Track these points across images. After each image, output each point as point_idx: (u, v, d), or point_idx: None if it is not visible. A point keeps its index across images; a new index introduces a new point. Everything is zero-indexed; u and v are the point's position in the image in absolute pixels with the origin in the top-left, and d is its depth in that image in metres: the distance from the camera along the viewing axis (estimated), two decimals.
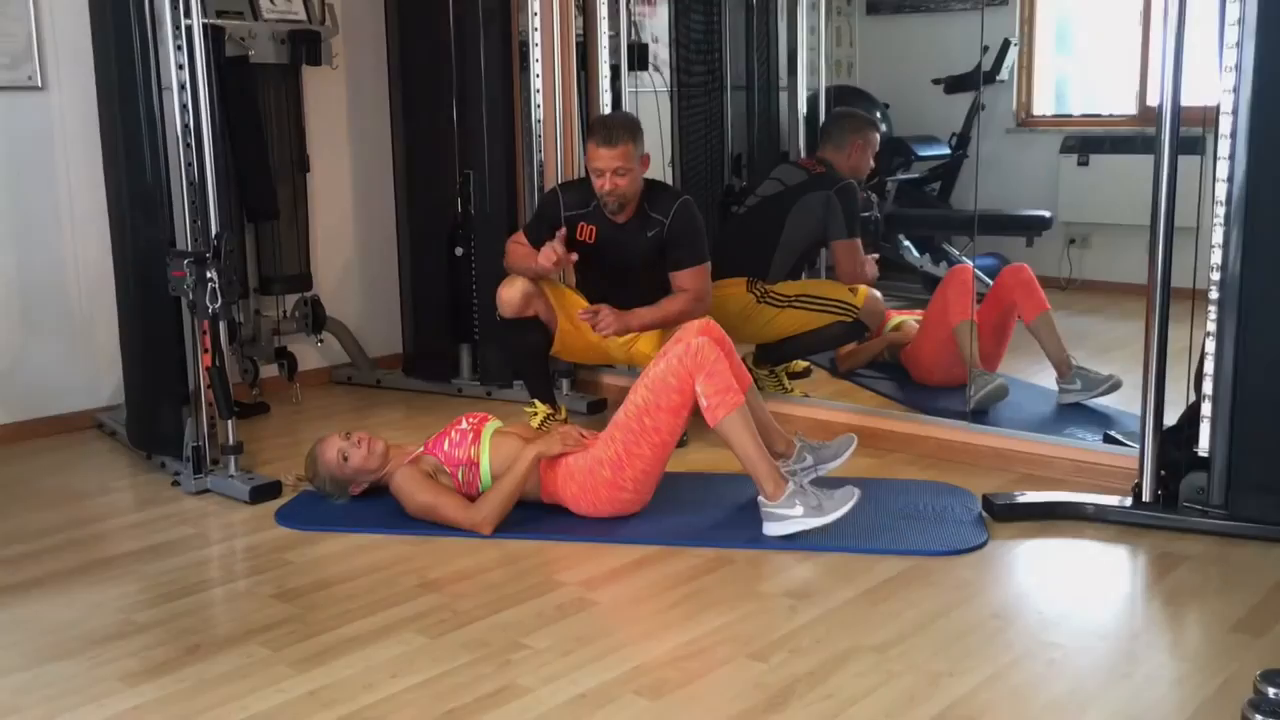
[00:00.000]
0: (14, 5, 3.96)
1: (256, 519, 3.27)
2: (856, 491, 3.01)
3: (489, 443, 3.19)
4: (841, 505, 2.97)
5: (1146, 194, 2.99)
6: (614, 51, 4.50)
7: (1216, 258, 2.93)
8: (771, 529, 3.01)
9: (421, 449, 3.23)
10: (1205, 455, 3.01)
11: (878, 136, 4.39)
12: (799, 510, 2.97)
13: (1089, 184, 5.66)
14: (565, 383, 4.48)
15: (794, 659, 2.39)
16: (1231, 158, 2.88)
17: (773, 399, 3.96)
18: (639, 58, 4.74)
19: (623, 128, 3.59)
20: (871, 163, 4.38)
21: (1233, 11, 2.83)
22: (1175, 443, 3.07)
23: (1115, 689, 2.28)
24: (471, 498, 3.16)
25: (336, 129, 4.84)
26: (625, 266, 3.74)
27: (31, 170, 4.08)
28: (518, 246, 3.81)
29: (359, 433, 3.28)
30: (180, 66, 3.35)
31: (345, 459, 3.23)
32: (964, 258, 5.19)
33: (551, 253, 3.60)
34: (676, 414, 3.05)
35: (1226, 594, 2.69)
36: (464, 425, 3.24)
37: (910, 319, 4.46)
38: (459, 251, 4.56)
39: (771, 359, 4.25)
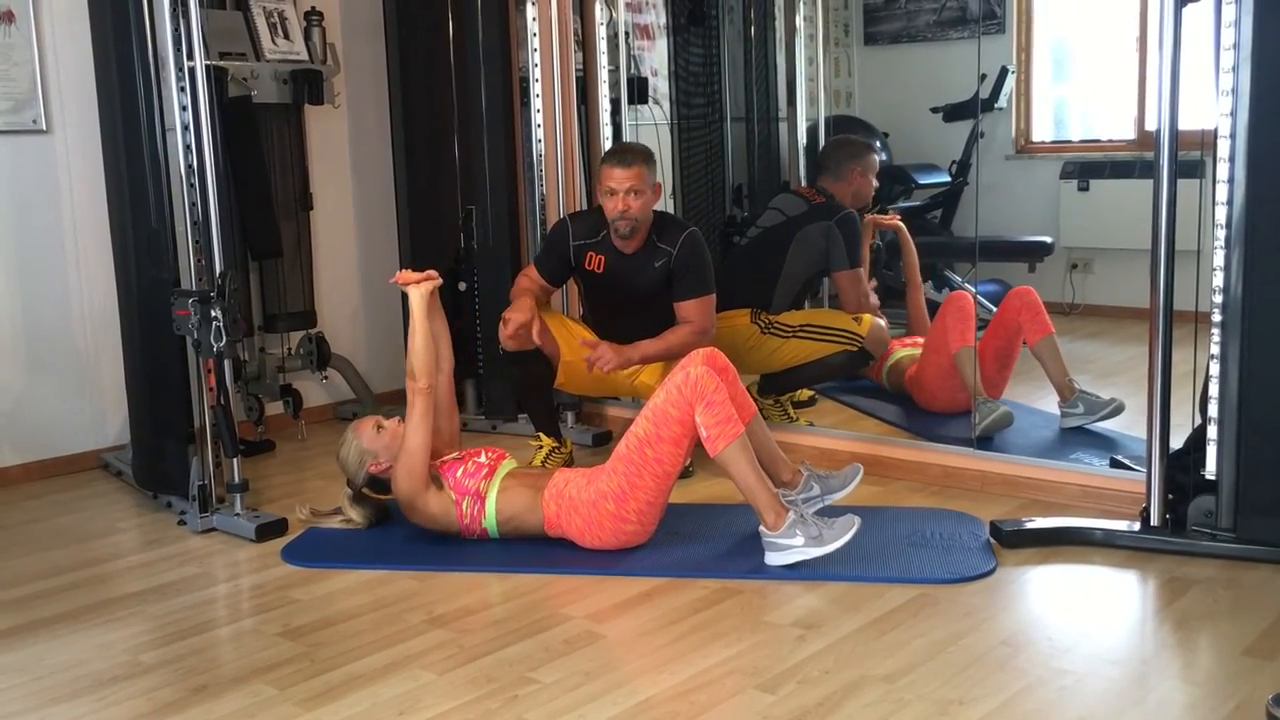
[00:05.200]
0: (18, 50, 4.00)
1: (262, 557, 3.27)
2: (857, 520, 3.01)
3: (500, 483, 3.20)
4: (842, 534, 2.97)
5: (1147, 218, 3.00)
6: (614, 85, 4.54)
7: (1218, 280, 2.94)
8: (773, 559, 3.01)
9: (437, 463, 3.25)
10: (1212, 478, 3.01)
11: (876, 159, 4.40)
12: (800, 540, 2.97)
13: (1090, 209, 5.66)
14: (570, 415, 4.48)
15: (803, 689, 2.38)
16: (1231, 181, 2.89)
17: (778, 428, 3.96)
18: (639, 91, 4.77)
19: (636, 151, 3.67)
20: (875, 183, 4.38)
21: (1228, 36, 2.85)
22: (1182, 466, 3.06)
23: (1127, 715, 2.26)
24: (473, 530, 3.20)
25: (339, 167, 4.87)
26: (633, 297, 3.76)
27: (37, 213, 4.11)
28: (522, 279, 3.83)
29: None
30: (184, 108, 3.38)
31: (379, 429, 3.32)
32: (966, 284, 5.19)
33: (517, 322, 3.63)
34: (678, 444, 3.05)
35: (1237, 618, 2.68)
36: (482, 459, 3.26)
37: (911, 352, 4.44)
38: (462, 286, 4.58)
39: (776, 389, 4.25)
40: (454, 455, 3.29)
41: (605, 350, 3.65)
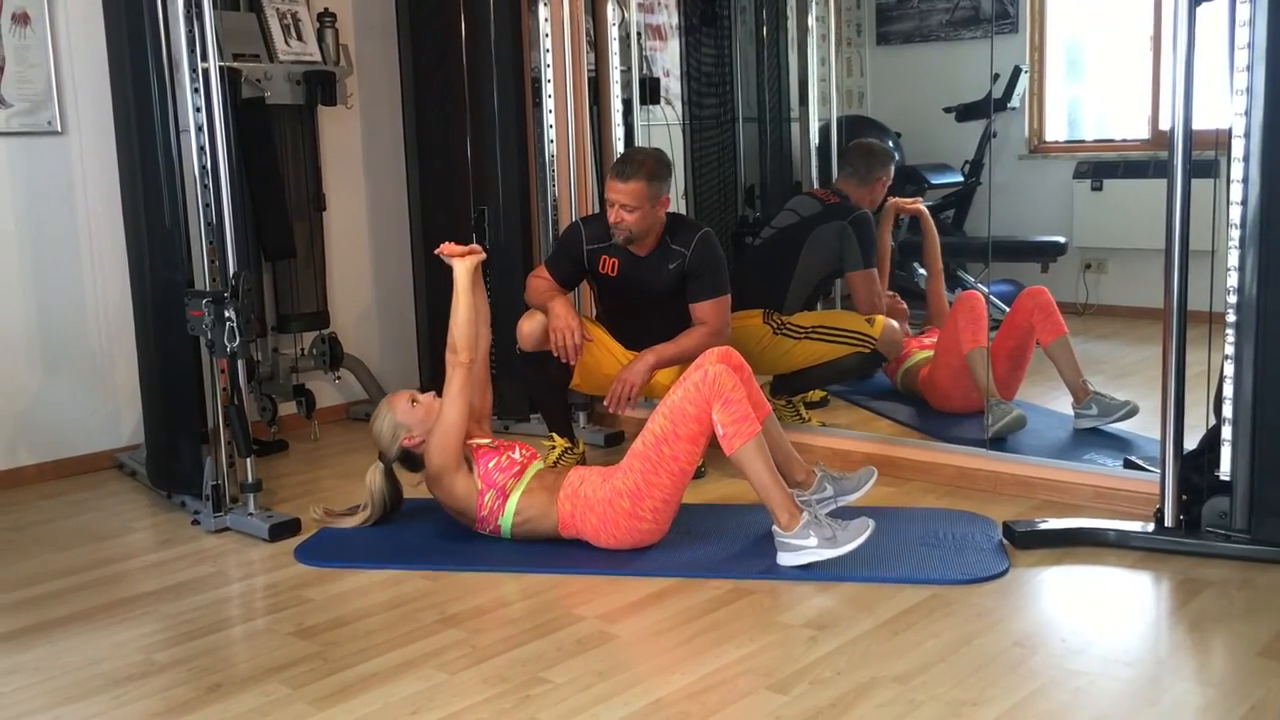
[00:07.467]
0: (34, 51, 4.02)
1: (276, 556, 3.28)
2: (871, 523, 3.00)
3: (526, 484, 3.20)
4: (856, 536, 2.96)
5: (1161, 218, 2.99)
6: (626, 86, 4.54)
7: (1233, 280, 2.93)
8: (786, 559, 3.00)
9: (471, 444, 3.24)
10: (1227, 479, 3.00)
11: (894, 168, 4.46)
12: (813, 541, 2.96)
13: (1103, 209, 5.65)
14: (582, 416, 4.48)
15: (815, 690, 2.38)
16: (1245, 180, 2.88)
17: (790, 429, 3.95)
18: (651, 92, 4.77)
19: (639, 165, 3.59)
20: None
21: (1242, 35, 2.84)
22: (1196, 467, 3.05)
23: (1141, 717, 2.26)
24: (487, 525, 3.21)
25: (352, 167, 4.89)
26: (647, 299, 3.75)
27: (52, 214, 4.13)
28: (539, 280, 3.82)
29: None
30: (197, 109, 3.39)
31: (415, 403, 3.31)
32: (979, 285, 5.19)
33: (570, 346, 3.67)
34: (694, 442, 3.05)
35: (1252, 619, 2.67)
36: (516, 455, 3.26)
37: (928, 355, 4.43)
38: None
39: (788, 390, 4.24)
40: (489, 443, 3.28)
41: (621, 386, 3.64)
